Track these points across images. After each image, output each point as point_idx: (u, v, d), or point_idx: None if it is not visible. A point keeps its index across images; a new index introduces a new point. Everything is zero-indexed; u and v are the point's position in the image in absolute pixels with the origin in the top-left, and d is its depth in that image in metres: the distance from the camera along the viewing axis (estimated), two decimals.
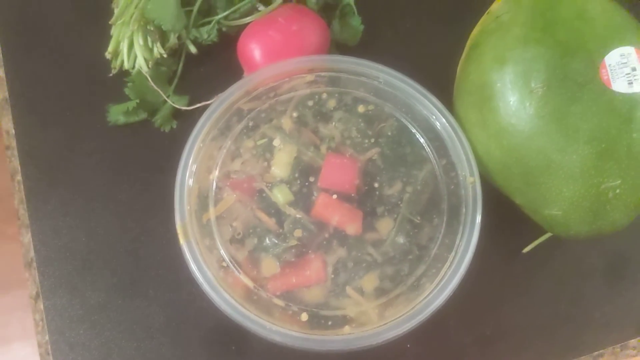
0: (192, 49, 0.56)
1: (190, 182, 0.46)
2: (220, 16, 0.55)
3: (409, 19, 0.60)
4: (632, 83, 0.43)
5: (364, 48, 0.58)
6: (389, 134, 0.49)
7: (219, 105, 0.47)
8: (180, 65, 0.57)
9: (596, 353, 0.52)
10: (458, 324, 0.51)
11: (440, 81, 0.50)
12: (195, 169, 0.47)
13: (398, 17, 0.60)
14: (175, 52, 0.57)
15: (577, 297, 0.53)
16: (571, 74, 0.42)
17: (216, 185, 0.47)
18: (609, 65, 0.42)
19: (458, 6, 0.58)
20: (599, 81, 0.42)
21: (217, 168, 0.47)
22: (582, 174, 0.43)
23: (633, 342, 0.52)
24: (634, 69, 0.43)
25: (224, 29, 0.57)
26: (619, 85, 0.42)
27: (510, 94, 0.44)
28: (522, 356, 0.51)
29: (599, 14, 0.44)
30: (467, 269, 0.45)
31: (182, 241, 0.45)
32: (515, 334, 0.51)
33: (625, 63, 0.43)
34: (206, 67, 0.57)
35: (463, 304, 0.47)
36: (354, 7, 0.57)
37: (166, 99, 0.54)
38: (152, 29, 0.54)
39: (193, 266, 0.44)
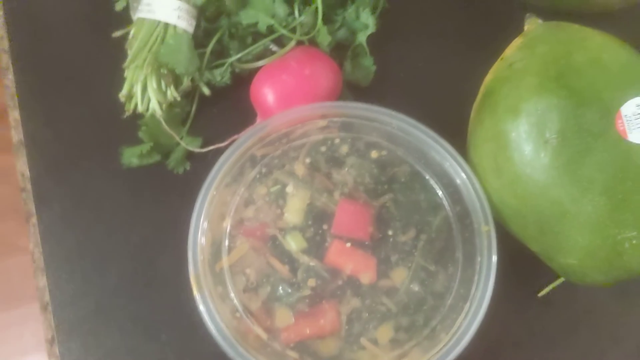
0: (206, 91, 0.56)
1: (204, 230, 0.46)
2: (233, 59, 0.55)
3: (422, 59, 0.59)
4: None
5: (377, 88, 0.58)
6: (402, 179, 0.49)
7: (232, 152, 0.47)
8: (194, 107, 0.57)
9: None
10: None
11: (454, 125, 0.50)
12: (209, 217, 0.46)
13: (411, 57, 0.60)
14: (189, 94, 0.57)
15: (593, 342, 0.52)
16: (586, 125, 0.42)
17: (229, 233, 0.47)
18: (625, 115, 0.42)
19: (473, 46, 0.58)
20: (615, 132, 0.42)
21: (230, 216, 0.47)
22: (597, 225, 0.42)
23: None
24: None
25: (237, 70, 0.57)
26: (636, 136, 0.42)
27: (524, 144, 0.43)
28: None
29: (614, 62, 0.44)
30: (484, 318, 0.44)
31: (195, 292, 0.45)
32: None
33: None
34: (219, 108, 0.57)
35: (478, 349, 0.46)
36: (366, 48, 0.57)
37: (179, 141, 0.54)
38: (165, 72, 0.54)
39: (206, 317, 0.44)
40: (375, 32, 0.58)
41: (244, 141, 0.48)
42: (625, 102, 0.42)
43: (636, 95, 0.42)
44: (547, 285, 0.51)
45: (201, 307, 0.44)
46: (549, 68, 0.44)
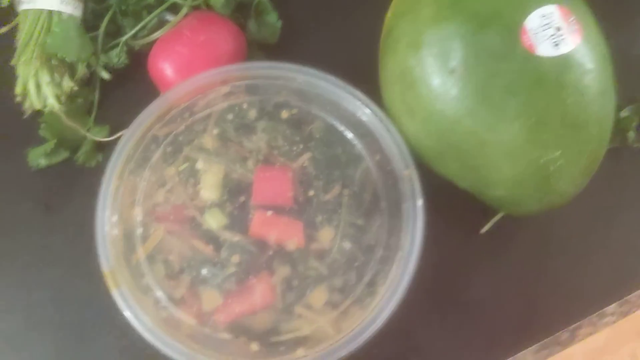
0: (105, 76, 0.53)
1: (113, 223, 0.43)
2: (126, 37, 0.52)
3: (329, 5, 0.56)
4: (558, 45, 0.39)
5: (288, 44, 0.55)
6: (318, 136, 0.46)
7: (130, 136, 0.44)
8: (97, 94, 0.53)
9: (574, 326, 0.49)
10: (423, 317, 0.49)
11: (368, 70, 0.47)
12: (118, 208, 0.44)
13: (318, 7, 0.56)
14: (89, 81, 0.54)
15: (544, 272, 0.50)
16: (490, 47, 0.39)
17: (141, 221, 0.44)
18: (530, 29, 0.39)
19: None
20: (522, 49, 0.39)
21: (140, 203, 0.44)
22: (518, 151, 0.40)
23: (611, 308, 0.50)
24: (558, 29, 0.40)
25: (136, 48, 0.53)
26: (544, 49, 0.39)
27: (430, 78, 0.41)
28: (494, 339, 0.49)
29: None
30: (418, 265, 0.42)
31: (112, 288, 0.42)
32: (484, 317, 0.49)
33: (548, 24, 0.39)
34: (124, 90, 0.54)
35: (427, 294, 0.45)
36: (268, 3, 0.53)
37: (85, 133, 0.51)
38: (56, 63, 0.51)
39: (128, 313, 0.41)
40: None
41: (140, 123, 0.45)
42: (528, 15, 0.39)
43: (539, 6, 0.40)
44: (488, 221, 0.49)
45: (120, 304, 0.42)
46: None
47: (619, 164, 0.52)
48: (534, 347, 0.49)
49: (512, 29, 0.39)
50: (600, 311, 0.50)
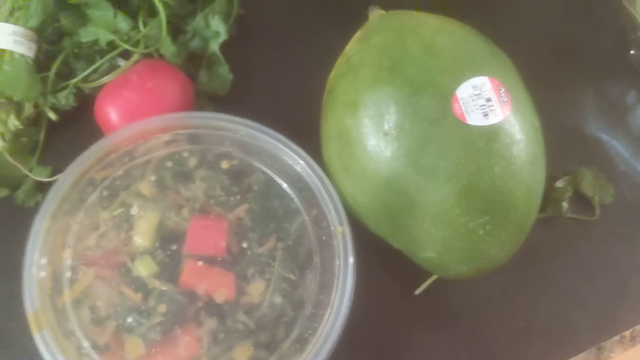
0: (52, 116, 0.53)
1: (41, 265, 0.43)
2: (75, 80, 0.52)
3: (280, 61, 0.58)
4: (487, 115, 0.41)
5: (237, 96, 0.56)
6: (256, 188, 0.46)
7: (66, 178, 0.44)
8: (42, 134, 0.53)
9: None
10: None
11: (312, 125, 0.48)
12: (48, 249, 0.43)
13: (270, 60, 0.58)
14: (36, 121, 0.54)
15: (478, 336, 0.50)
16: (423, 112, 0.40)
17: (71, 264, 0.43)
18: (461, 98, 0.41)
19: (328, 44, 0.55)
20: (453, 116, 0.40)
21: (71, 246, 0.44)
22: (447, 214, 0.41)
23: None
24: (488, 100, 0.41)
25: (86, 91, 0.54)
26: (474, 118, 0.41)
27: (365, 138, 0.42)
28: None
29: (448, 46, 0.42)
30: (349, 323, 0.42)
31: (34, 331, 0.41)
32: None
33: (479, 94, 0.41)
34: (71, 132, 0.54)
35: (358, 354, 0.46)
36: (220, 56, 0.55)
37: (27, 172, 0.51)
38: (3, 101, 0.51)
39: (48, 358, 0.40)
40: (231, 39, 0.56)
41: (79, 164, 0.45)
42: (460, 84, 0.41)
43: (471, 77, 0.41)
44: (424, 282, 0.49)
45: (41, 347, 0.41)
46: (382, 59, 0.42)
47: (554, 233, 0.53)
48: None
49: (446, 97, 0.41)
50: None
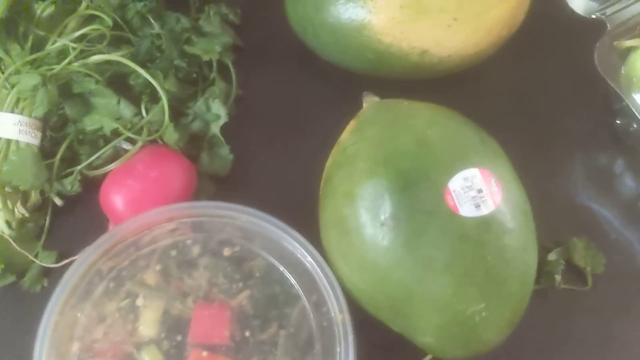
0: (58, 202, 0.54)
1: (51, 358, 0.44)
2: (80, 167, 0.54)
3: (280, 141, 0.59)
4: (479, 206, 0.42)
5: (238, 175, 0.57)
6: (257, 274, 0.48)
7: (75, 271, 0.45)
8: (48, 219, 0.55)
9: None
10: None
11: (312, 212, 0.50)
12: (56, 342, 0.44)
13: (271, 140, 0.59)
14: (42, 206, 0.55)
15: None
16: (418, 205, 0.42)
17: (79, 357, 0.44)
18: (454, 191, 0.42)
19: (327, 127, 0.57)
20: (446, 208, 0.42)
21: (79, 339, 0.45)
22: (445, 302, 0.42)
23: None
24: (480, 191, 0.43)
25: (90, 176, 0.55)
26: (467, 209, 0.42)
27: (363, 228, 0.43)
28: None
29: (439, 139, 0.44)
30: None
31: None
32: None
33: (470, 186, 0.43)
34: (76, 216, 0.56)
35: None
36: (221, 137, 0.56)
37: (33, 259, 0.52)
38: (10, 190, 0.52)
39: None
40: (231, 119, 0.57)
41: (86, 257, 0.46)
42: (452, 177, 0.43)
43: (462, 169, 0.43)
44: None
45: None
46: (377, 152, 0.44)
47: (547, 304, 0.54)
48: None
49: (439, 189, 0.42)
50: None
